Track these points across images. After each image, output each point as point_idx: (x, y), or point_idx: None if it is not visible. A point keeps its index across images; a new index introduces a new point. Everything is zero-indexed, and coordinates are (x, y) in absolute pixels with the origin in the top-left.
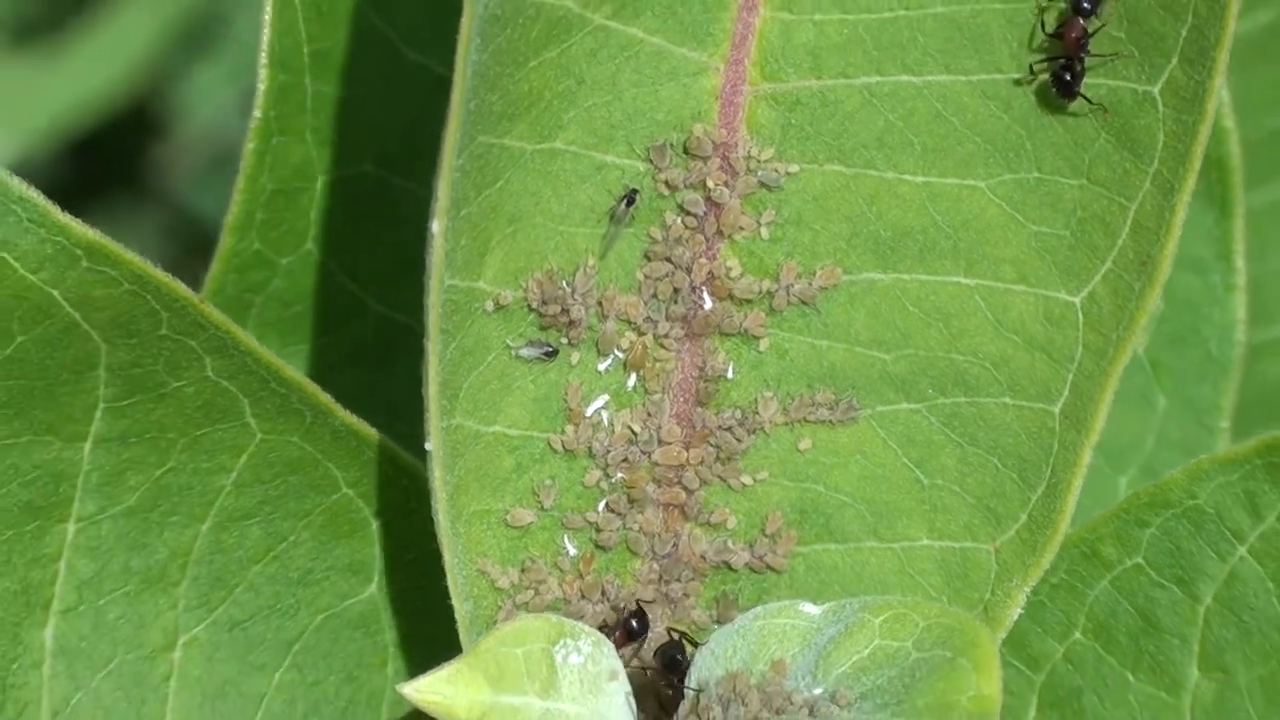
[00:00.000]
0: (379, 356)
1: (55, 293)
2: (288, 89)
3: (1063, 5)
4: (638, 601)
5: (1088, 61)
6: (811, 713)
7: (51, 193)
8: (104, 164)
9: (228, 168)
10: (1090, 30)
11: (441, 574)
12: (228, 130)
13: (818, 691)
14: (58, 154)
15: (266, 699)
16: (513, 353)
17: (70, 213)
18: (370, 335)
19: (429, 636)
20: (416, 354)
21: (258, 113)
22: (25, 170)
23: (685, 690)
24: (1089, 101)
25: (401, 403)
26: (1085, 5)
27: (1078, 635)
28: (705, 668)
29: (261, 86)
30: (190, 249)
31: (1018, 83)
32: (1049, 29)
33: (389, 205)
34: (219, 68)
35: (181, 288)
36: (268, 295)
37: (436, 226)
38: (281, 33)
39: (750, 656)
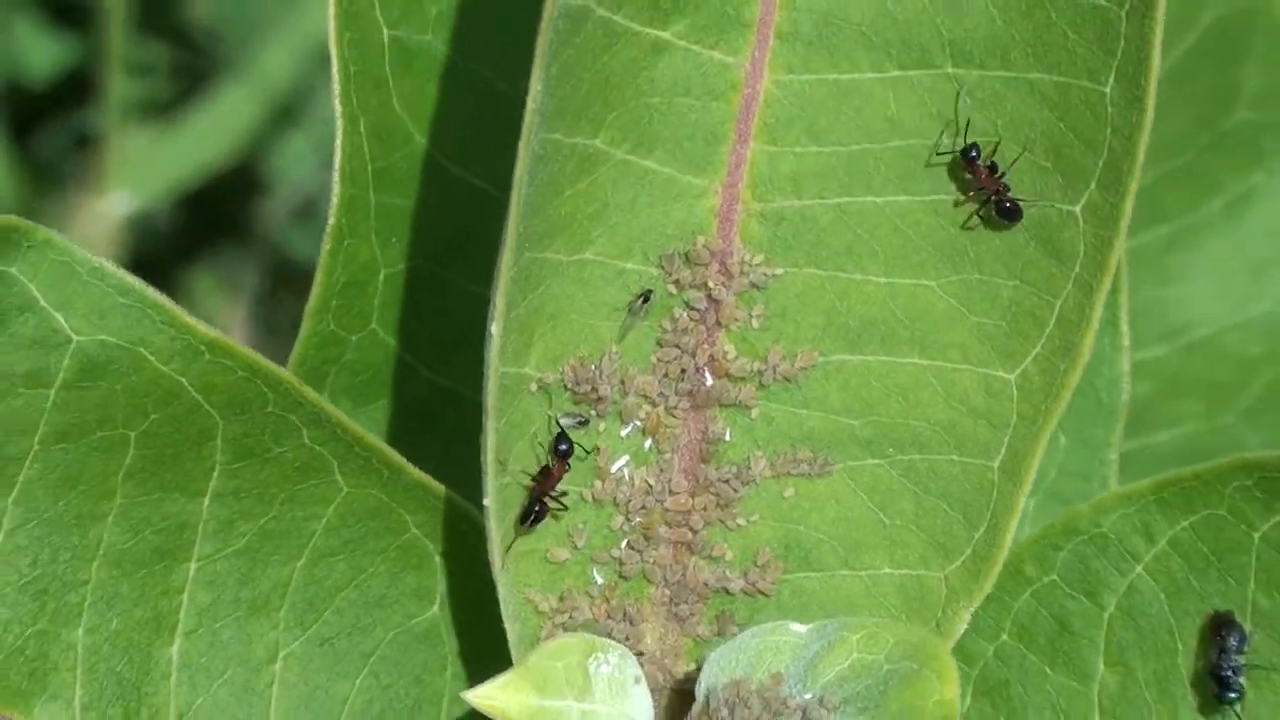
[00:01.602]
0: (430, 413)
1: (183, 380)
2: (355, 200)
3: (957, 155)
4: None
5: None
6: (804, 715)
7: (169, 240)
8: (213, 215)
9: (311, 217)
10: (998, 166)
11: (489, 599)
12: (312, 187)
13: (808, 697)
14: (175, 207)
15: (350, 700)
16: (553, 422)
17: (183, 256)
18: (424, 396)
19: (480, 649)
20: (460, 410)
21: (331, 220)
22: (147, 221)
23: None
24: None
25: (448, 449)
26: (972, 154)
27: (1005, 637)
28: (712, 676)
29: (334, 200)
30: (282, 283)
31: (958, 203)
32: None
33: (436, 292)
34: (305, 138)
35: (286, 374)
36: (340, 366)
37: (495, 328)
38: (350, 155)
39: (750, 667)
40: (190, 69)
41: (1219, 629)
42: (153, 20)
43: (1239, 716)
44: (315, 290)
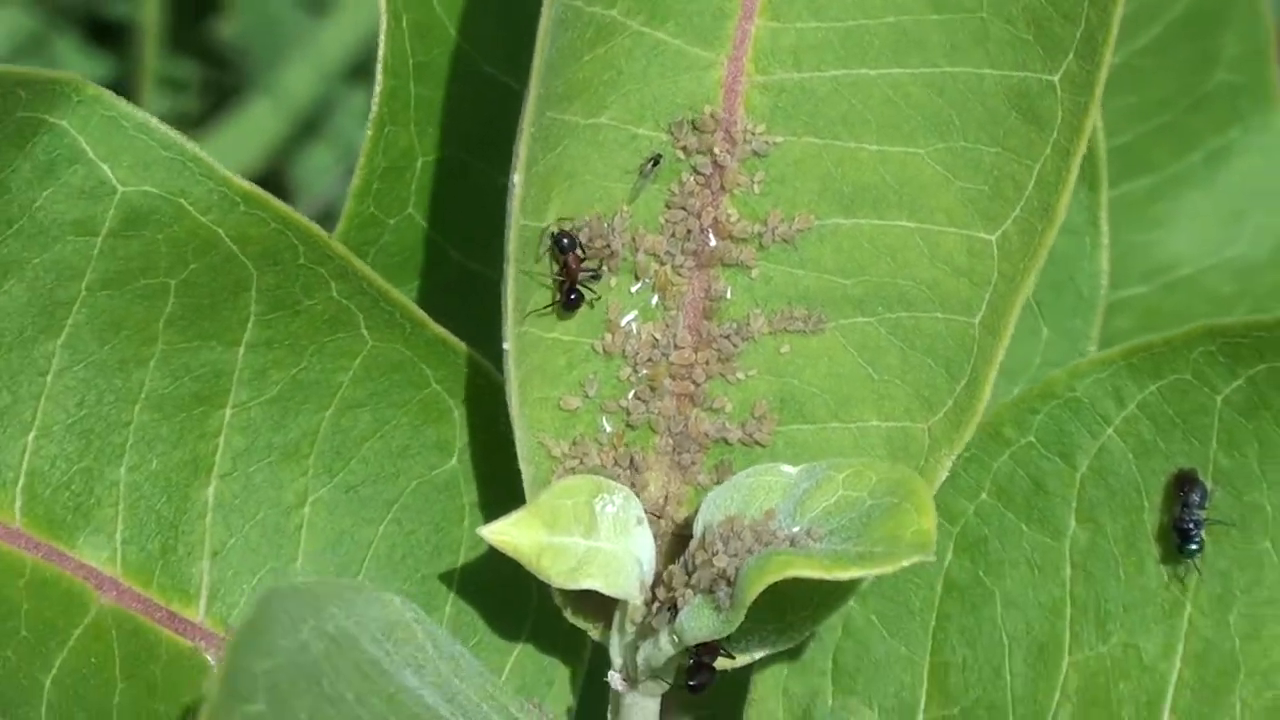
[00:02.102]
0: (460, 294)
1: (220, 230)
2: (396, 91)
3: None
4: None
5: None
6: (792, 544)
7: None
8: None
9: (333, 226)
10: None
11: (503, 452)
12: (333, 197)
13: (796, 530)
14: None
15: (373, 545)
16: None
17: None
18: (454, 278)
19: (494, 499)
20: (488, 292)
21: (375, 107)
22: None
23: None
24: None
25: (475, 328)
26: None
27: (984, 496)
28: (708, 514)
29: (378, 89)
30: None
31: (949, 74)
32: None
33: (468, 181)
34: (327, 151)
35: (315, 227)
36: (379, 247)
37: (517, 178)
38: (393, 50)
39: (743, 504)
40: (219, 85)
41: (1182, 486)
42: (184, 39)
43: (1197, 568)
44: (357, 174)
